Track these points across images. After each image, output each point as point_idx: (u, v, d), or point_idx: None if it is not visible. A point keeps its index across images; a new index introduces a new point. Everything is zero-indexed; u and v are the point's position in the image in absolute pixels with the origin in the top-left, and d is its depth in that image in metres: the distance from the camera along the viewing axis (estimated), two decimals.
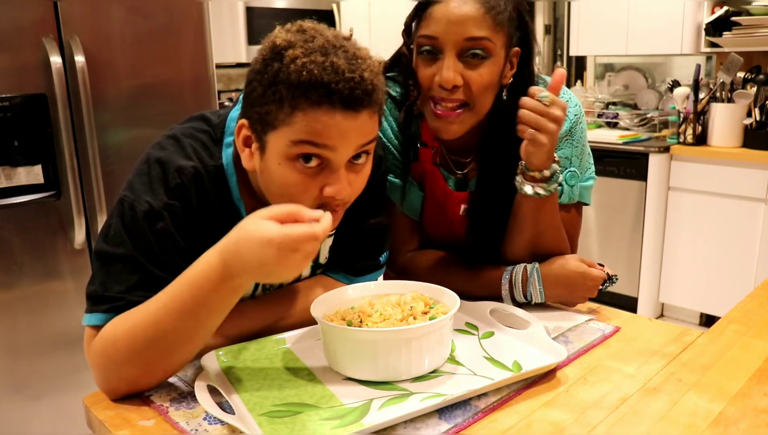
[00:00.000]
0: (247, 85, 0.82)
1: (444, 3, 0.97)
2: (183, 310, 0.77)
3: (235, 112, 0.93)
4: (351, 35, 0.84)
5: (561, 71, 0.98)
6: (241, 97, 0.93)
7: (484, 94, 1.01)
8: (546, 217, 1.05)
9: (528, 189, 1.02)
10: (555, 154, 1.02)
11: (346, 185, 0.82)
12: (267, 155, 0.81)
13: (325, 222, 0.72)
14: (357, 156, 0.83)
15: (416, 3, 1.01)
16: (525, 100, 0.97)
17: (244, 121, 0.83)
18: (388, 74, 1.10)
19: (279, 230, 0.71)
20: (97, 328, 0.83)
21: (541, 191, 1.02)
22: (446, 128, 1.02)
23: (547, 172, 1.01)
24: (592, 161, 1.15)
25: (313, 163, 0.80)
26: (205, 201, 0.88)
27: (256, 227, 0.72)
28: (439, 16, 0.97)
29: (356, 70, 0.77)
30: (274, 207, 0.75)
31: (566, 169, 1.09)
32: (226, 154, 0.90)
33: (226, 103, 3.55)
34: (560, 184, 1.04)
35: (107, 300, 0.83)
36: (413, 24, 1.04)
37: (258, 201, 0.94)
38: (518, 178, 1.04)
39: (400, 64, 1.08)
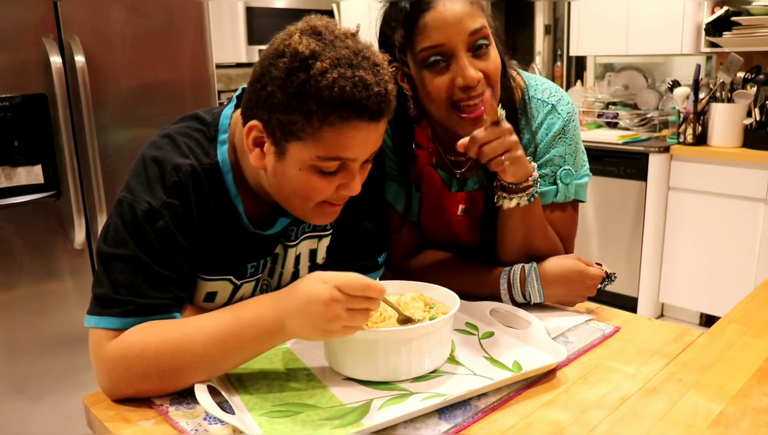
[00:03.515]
0: (260, 89, 0.80)
1: (433, 10, 0.95)
2: (219, 337, 0.80)
3: (229, 109, 0.93)
4: (358, 31, 0.84)
5: (487, 96, 0.96)
6: (235, 95, 0.92)
7: (498, 76, 1.01)
8: (533, 223, 1.05)
9: (513, 202, 1.02)
10: (530, 159, 1.02)
11: (359, 185, 0.86)
12: (286, 161, 0.82)
13: (378, 283, 0.78)
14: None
15: (400, 22, 0.97)
16: (479, 134, 0.94)
17: (257, 123, 0.82)
18: None
19: (335, 274, 0.78)
20: (108, 331, 0.82)
21: (523, 201, 1.02)
22: (480, 124, 1.00)
23: (531, 180, 1.01)
24: (586, 158, 1.15)
25: (333, 168, 0.83)
26: (203, 198, 0.88)
27: (316, 273, 0.80)
28: (437, 24, 0.95)
29: (381, 82, 0.79)
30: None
31: (561, 167, 1.09)
32: (221, 152, 0.90)
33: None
34: (539, 190, 1.03)
35: (117, 303, 0.82)
36: (403, 42, 0.99)
37: (253, 197, 0.94)
38: (499, 195, 1.03)
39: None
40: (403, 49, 0.99)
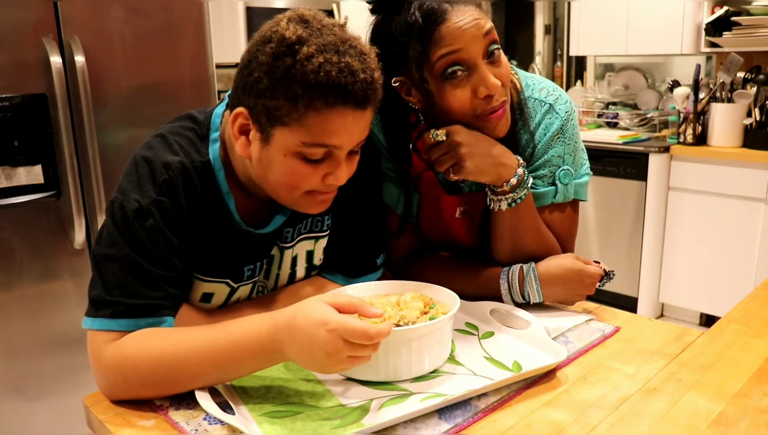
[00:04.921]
0: (247, 75, 0.80)
1: (448, 21, 0.93)
2: (215, 359, 0.78)
3: (220, 108, 0.93)
4: (346, 22, 0.84)
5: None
6: (227, 94, 0.92)
7: (509, 80, 1.02)
8: (523, 223, 1.05)
9: (496, 205, 1.04)
10: (518, 158, 1.02)
11: (346, 174, 0.86)
12: (271, 147, 0.82)
13: (383, 327, 0.74)
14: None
15: (412, 36, 0.94)
16: (424, 152, 1.03)
17: (242, 110, 0.82)
18: None
19: (337, 317, 0.73)
20: (104, 333, 0.82)
21: (504, 205, 1.03)
22: (503, 127, 1.01)
23: (507, 186, 1.01)
24: (586, 157, 1.15)
25: (319, 155, 0.82)
26: (194, 196, 0.88)
27: (316, 308, 0.74)
28: (454, 33, 0.93)
29: (367, 69, 0.79)
30: (338, 295, 0.78)
31: (559, 167, 1.09)
32: (213, 150, 0.90)
33: None
34: (522, 197, 1.03)
35: (109, 304, 0.82)
36: (419, 56, 0.96)
37: (247, 194, 0.93)
38: (488, 197, 1.05)
39: (396, 99, 1.03)
40: (420, 64, 0.96)
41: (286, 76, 0.77)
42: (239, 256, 0.95)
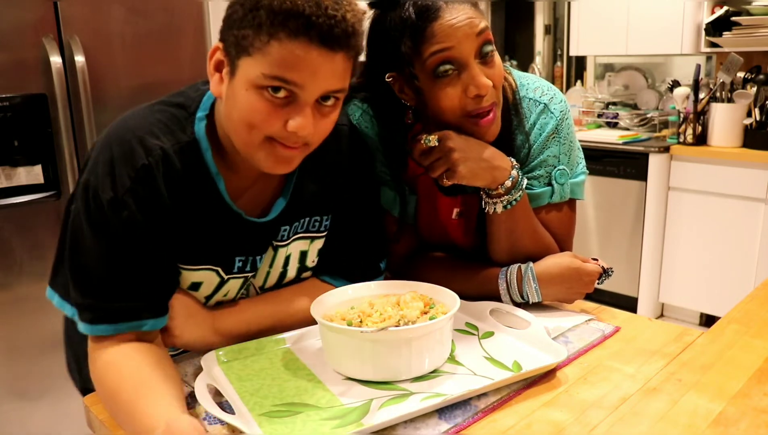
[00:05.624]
0: (229, 7, 0.80)
1: (441, 18, 0.93)
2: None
3: None
4: None
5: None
6: None
7: (502, 82, 1.01)
8: (520, 225, 1.05)
9: (491, 207, 1.04)
10: (512, 160, 1.02)
11: (310, 123, 0.80)
12: (236, 80, 0.80)
13: None
14: (326, 97, 0.81)
15: (405, 32, 0.94)
16: (417, 157, 1.02)
17: (219, 44, 0.81)
18: (357, 95, 1.10)
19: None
20: (89, 336, 0.84)
21: (499, 208, 1.03)
22: (493, 131, 1.00)
23: (502, 188, 1.01)
24: (582, 156, 1.14)
25: (281, 94, 0.78)
26: (177, 181, 0.85)
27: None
28: (446, 30, 0.93)
29: (339, 9, 0.77)
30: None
31: (555, 167, 1.09)
32: (199, 128, 0.87)
33: None
34: (517, 199, 1.03)
35: (87, 309, 0.82)
36: (411, 52, 0.96)
37: (236, 173, 0.91)
38: (483, 200, 1.05)
39: (383, 95, 1.04)
40: (411, 60, 0.96)
41: (256, 6, 0.76)
42: (230, 242, 0.92)
